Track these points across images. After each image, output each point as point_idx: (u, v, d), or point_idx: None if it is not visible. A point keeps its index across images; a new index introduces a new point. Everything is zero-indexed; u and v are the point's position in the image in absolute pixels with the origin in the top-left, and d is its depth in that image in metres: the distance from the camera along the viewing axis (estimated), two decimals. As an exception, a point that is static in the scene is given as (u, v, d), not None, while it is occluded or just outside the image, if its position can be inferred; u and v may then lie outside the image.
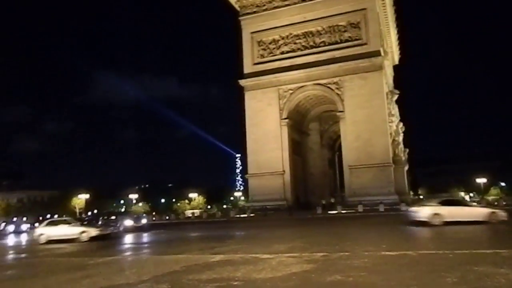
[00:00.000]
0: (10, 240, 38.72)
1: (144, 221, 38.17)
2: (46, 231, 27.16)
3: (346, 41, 56.47)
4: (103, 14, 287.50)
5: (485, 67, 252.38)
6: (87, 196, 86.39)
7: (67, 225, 27.54)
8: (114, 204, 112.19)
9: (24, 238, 39.00)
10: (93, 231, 26.35)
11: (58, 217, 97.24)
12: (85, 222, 30.34)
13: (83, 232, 26.18)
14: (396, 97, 62.36)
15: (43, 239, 26.66)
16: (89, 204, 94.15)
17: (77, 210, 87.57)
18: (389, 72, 70.73)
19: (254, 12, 61.91)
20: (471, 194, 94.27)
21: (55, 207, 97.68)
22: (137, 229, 35.21)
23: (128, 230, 34.36)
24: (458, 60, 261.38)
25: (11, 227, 53.36)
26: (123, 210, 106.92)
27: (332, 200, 58.88)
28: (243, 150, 66.24)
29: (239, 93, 61.42)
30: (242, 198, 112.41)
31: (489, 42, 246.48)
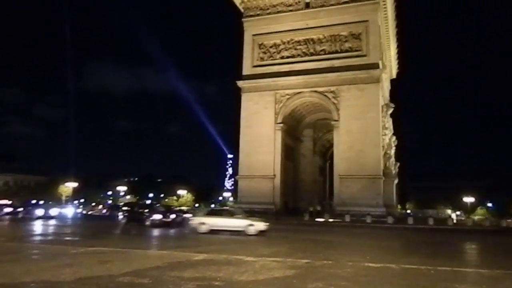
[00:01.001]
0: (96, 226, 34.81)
1: (172, 216, 35.12)
2: (208, 221, 26.00)
3: (346, 51, 56.71)
4: (105, 2, 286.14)
5: (481, 85, 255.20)
6: (75, 184, 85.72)
7: (230, 216, 26.72)
8: (102, 195, 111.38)
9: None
10: (262, 225, 25.37)
11: (45, 203, 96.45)
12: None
13: (250, 225, 25.31)
14: (391, 110, 62.81)
15: (204, 228, 25.69)
16: (76, 193, 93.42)
17: (63, 198, 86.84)
18: (386, 85, 71.26)
19: (258, 15, 62.03)
20: (458, 212, 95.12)
21: (41, 193, 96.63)
22: (165, 224, 32.82)
23: (156, 225, 32.19)
24: (453, 77, 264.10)
25: (39, 211, 47.28)
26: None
27: (319, 208, 59.11)
28: (235, 151, 66.27)
29: (236, 94, 61.46)
30: (231, 199, 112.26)
31: (486, 59, 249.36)
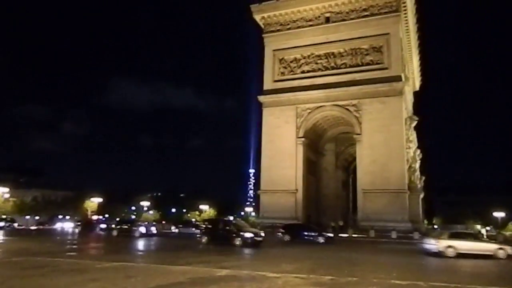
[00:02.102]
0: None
1: (262, 234, 31.12)
2: (455, 244, 24.62)
3: (368, 64, 56.42)
4: (128, 19, 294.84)
5: (510, 95, 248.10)
6: (100, 199, 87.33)
7: (476, 239, 26.29)
8: (126, 210, 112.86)
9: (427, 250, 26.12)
10: (509, 249, 24.43)
11: (70, 217, 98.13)
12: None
13: (500, 248, 24.57)
14: (415, 123, 61.75)
15: (450, 252, 24.35)
16: (101, 208, 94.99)
17: (89, 213, 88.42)
18: (409, 98, 70.26)
19: (278, 30, 62.64)
20: (488, 228, 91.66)
21: (67, 208, 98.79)
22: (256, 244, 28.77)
23: (248, 245, 28.17)
24: (481, 87, 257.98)
25: (142, 228, 41.68)
26: (133, 216, 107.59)
27: (341, 223, 57.97)
28: (257, 165, 66.28)
29: (258, 108, 61.85)
30: (253, 214, 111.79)
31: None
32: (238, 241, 28.51)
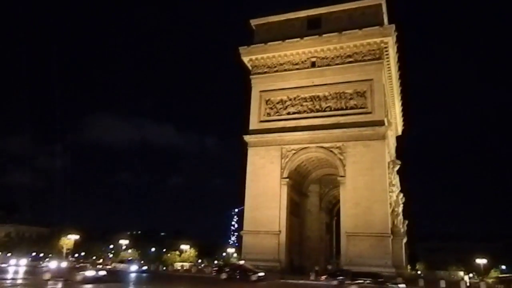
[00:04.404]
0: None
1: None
2: None
3: (352, 108, 57.65)
4: (108, 54, 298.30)
5: (491, 143, 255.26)
6: (76, 237, 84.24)
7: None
8: (103, 249, 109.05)
9: None
10: None
11: (45, 255, 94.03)
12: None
13: None
14: (397, 167, 62.41)
15: None
16: (78, 246, 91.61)
17: (64, 251, 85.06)
18: (392, 142, 71.56)
19: (265, 72, 64.04)
20: (471, 275, 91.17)
21: (42, 245, 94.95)
22: None
23: None
24: (465, 133, 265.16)
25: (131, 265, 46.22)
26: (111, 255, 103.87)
27: (329, 267, 56.88)
28: (240, 205, 65.47)
29: (242, 148, 61.95)
30: (235, 255, 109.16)
31: (496, 116, 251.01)
32: (254, 277, 39.27)
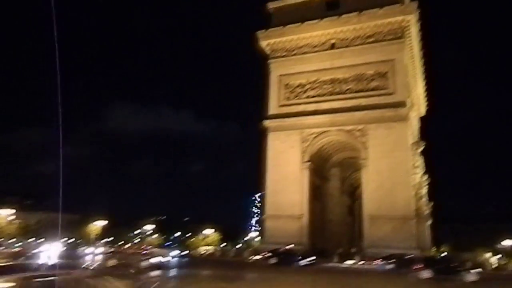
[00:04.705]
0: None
1: None
2: None
3: (373, 90, 56.71)
4: (126, 41, 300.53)
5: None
6: (104, 222, 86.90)
7: None
8: (129, 234, 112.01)
9: None
10: None
11: (75, 240, 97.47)
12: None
13: None
14: (421, 148, 61.40)
15: None
16: (105, 231, 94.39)
17: (93, 236, 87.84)
18: (414, 123, 70.17)
19: (284, 56, 63.46)
20: (498, 256, 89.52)
21: (71, 231, 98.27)
22: None
23: None
24: (491, 111, 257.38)
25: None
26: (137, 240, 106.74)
27: (354, 250, 56.97)
28: (262, 190, 65.86)
29: (262, 133, 61.93)
30: (257, 239, 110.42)
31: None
32: (304, 262, 39.69)
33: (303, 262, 40.29)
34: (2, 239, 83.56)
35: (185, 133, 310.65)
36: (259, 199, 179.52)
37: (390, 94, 55.64)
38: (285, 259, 41.47)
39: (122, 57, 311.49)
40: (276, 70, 63.26)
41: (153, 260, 33.45)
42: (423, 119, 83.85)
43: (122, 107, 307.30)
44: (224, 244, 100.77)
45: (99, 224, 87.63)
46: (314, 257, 41.94)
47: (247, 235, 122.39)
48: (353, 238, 71.12)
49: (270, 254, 44.64)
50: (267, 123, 61.14)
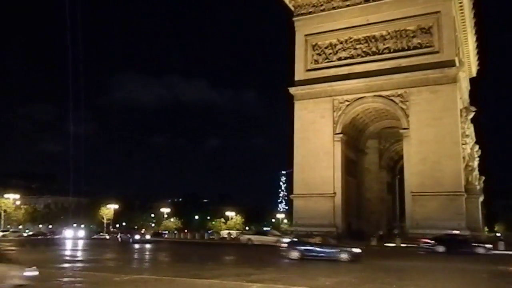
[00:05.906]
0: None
1: None
2: None
3: (415, 48, 55.19)
4: (129, 10, 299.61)
5: None
6: (116, 206, 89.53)
7: None
8: (145, 218, 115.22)
9: None
10: None
11: (84, 226, 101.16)
12: None
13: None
14: (472, 115, 59.93)
15: None
16: (118, 215, 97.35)
17: (105, 221, 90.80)
18: (464, 86, 68.29)
19: (310, 13, 62.11)
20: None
21: (82, 216, 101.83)
22: None
23: None
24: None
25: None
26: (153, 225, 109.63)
27: (396, 231, 56.82)
28: (289, 166, 66.10)
29: (288, 102, 61.54)
30: (285, 221, 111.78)
31: None
32: (481, 250, 37.36)
33: (481, 250, 37.70)
34: (9, 226, 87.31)
35: (200, 104, 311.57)
36: (285, 177, 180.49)
37: (435, 52, 54.03)
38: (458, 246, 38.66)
39: (127, 25, 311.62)
40: (302, 29, 62.09)
41: None
42: (473, 81, 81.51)
43: (129, 78, 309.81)
44: (247, 228, 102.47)
45: (111, 207, 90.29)
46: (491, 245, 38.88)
47: (274, 217, 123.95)
48: (394, 218, 71.09)
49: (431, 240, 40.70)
50: (292, 90, 60.61)
